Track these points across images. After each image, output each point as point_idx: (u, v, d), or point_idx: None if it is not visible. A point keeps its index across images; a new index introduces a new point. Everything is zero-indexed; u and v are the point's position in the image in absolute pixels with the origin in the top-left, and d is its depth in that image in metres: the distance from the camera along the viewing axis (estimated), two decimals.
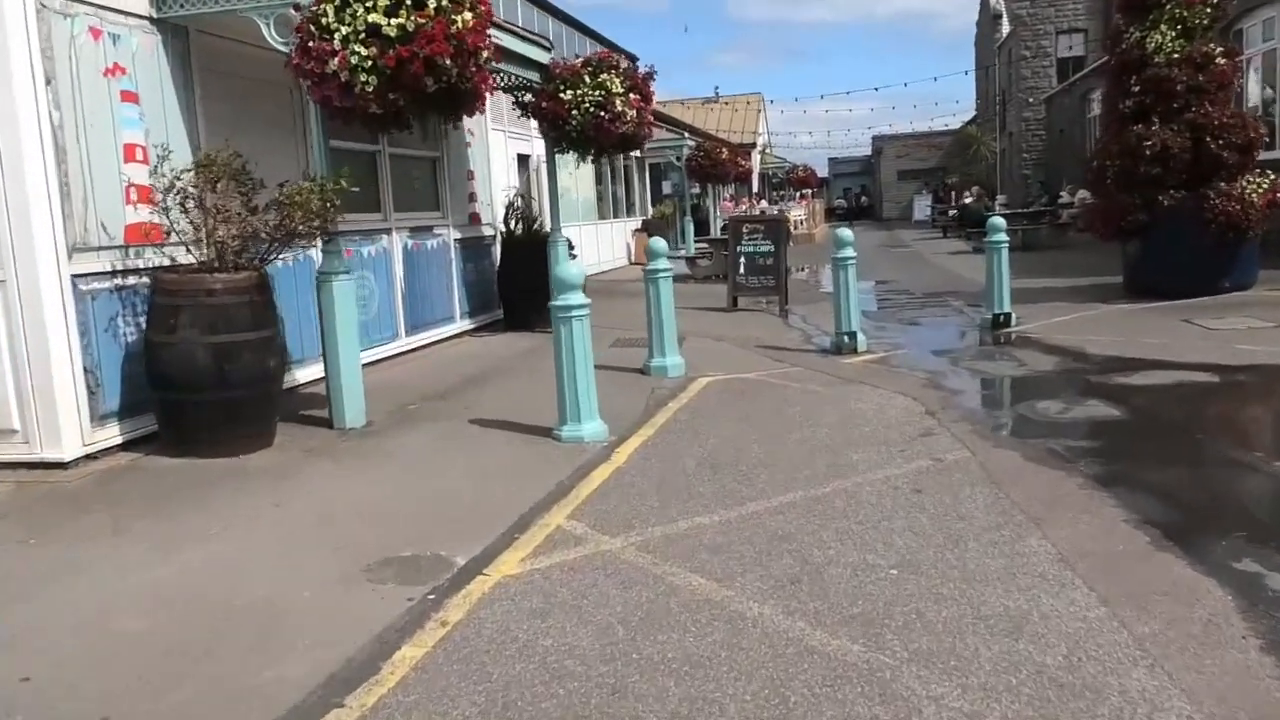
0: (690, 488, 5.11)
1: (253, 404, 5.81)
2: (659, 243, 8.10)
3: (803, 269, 21.36)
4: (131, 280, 6.04)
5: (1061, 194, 27.27)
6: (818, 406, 6.94)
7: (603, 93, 10.12)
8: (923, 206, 42.84)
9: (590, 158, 11.01)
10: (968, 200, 28.75)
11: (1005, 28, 38.34)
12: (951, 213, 31.05)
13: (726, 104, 40.25)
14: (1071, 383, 7.49)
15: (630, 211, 24.32)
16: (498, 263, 11.78)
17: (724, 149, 25.71)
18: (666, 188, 26.35)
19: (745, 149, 37.83)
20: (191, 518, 4.79)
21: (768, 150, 48.56)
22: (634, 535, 4.42)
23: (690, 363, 8.49)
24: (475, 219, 11.61)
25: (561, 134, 10.41)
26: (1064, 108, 31.16)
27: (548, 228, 11.38)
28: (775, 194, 43.95)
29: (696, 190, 25.84)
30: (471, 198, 11.54)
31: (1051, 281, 13.72)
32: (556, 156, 11.16)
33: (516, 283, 11.36)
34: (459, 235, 11.04)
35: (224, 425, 5.74)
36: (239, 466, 5.66)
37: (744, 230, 13.15)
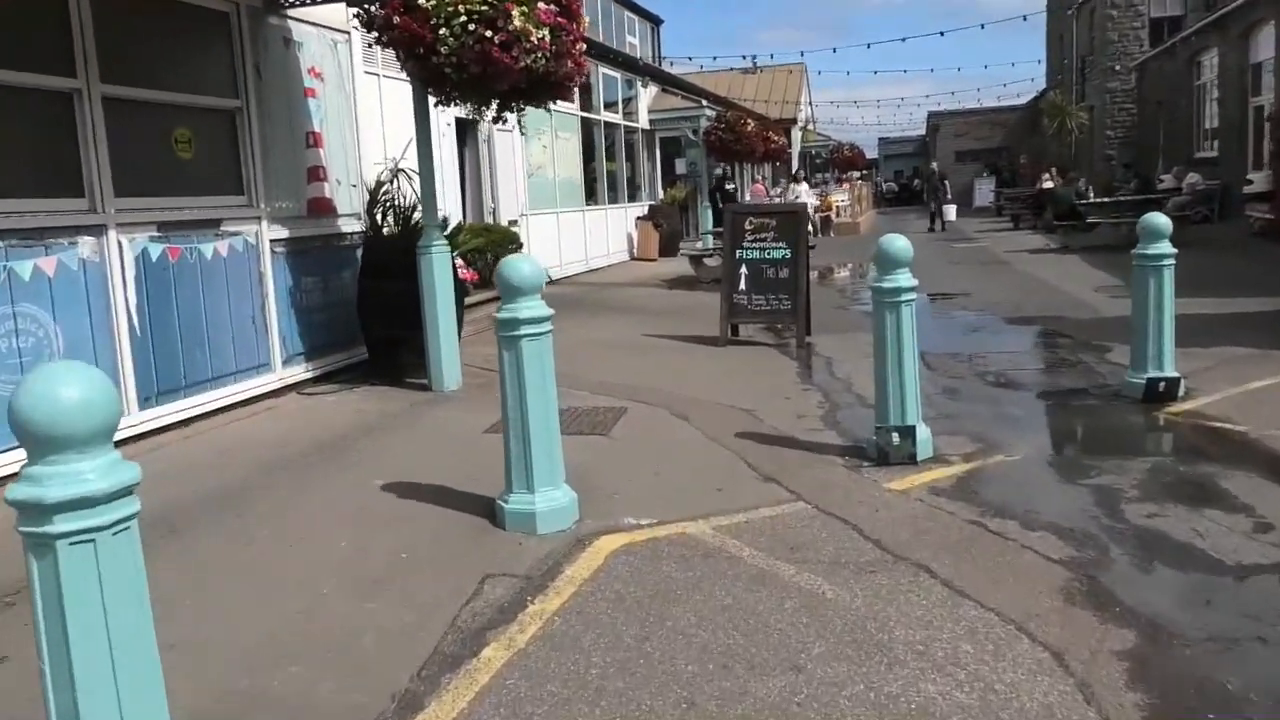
0: None
1: None
2: (515, 267, 3.99)
3: (845, 266, 17.09)
4: None
5: (1163, 178, 22.55)
6: (829, 681, 2.83)
7: None
8: (985, 191, 38.10)
9: (490, 112, 6.89)
10: (1047, 183, 24.07)
11: None
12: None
13: (764, 73, 35.51)
14: None
15: (635, 196, 20.13)
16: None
17: (749, 120, 21.34)
18: (680, 166, 22.00)
19: (784, 124, 33.29)
20: None
21: (810, 127, 43.85)
22: None
23: (596, 486, 4.43)
24: (324, 207, 7.58)
25: (429, 70, 6.30)
26: (1163, 75, 26.26)
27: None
28: (816, 176, 39.28)
29: (720, 171, 21.50)
30: (317, 174, 7.50)
31: (1197, 304, 9.26)
32: (440, 110, 7.09)
33: (379, 306, 7.33)
34: (286, 234, 7.04)
35: None
36: None
37: (746, 227, 8.93)
